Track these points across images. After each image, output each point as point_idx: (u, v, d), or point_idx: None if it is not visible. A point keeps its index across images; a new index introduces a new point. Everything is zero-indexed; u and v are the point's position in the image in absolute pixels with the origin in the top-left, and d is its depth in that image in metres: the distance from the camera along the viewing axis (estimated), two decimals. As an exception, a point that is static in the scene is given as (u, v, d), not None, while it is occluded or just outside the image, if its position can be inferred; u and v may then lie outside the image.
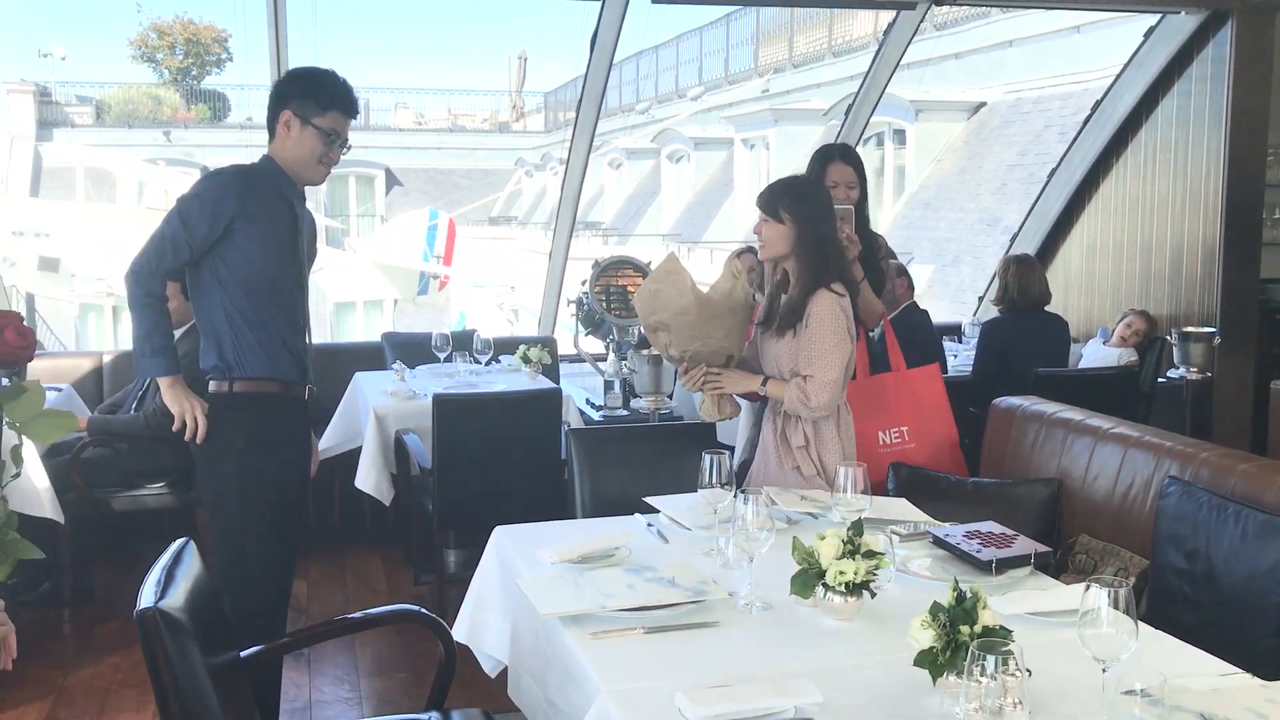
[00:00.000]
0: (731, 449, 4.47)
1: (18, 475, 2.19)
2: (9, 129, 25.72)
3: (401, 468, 4.79)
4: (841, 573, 2.18)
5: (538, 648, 2.38)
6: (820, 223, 3.26)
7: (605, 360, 5.35)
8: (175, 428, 3.19)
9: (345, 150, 3.26)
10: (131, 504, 4.70)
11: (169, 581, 2.12)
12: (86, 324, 20.74)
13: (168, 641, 2.00)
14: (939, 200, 13.82)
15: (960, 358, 6.06)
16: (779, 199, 3.27)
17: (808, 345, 3.20)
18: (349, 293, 21.56)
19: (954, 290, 11.51)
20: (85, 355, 5.99)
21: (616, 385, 5.21)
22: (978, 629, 1.83)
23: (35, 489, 4.21)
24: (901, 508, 2.99)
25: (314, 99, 3.16)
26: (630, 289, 5.28)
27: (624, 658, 2.07)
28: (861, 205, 3.92)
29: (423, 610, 2.62)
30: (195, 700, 2.05)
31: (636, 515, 2.99)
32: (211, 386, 3.22)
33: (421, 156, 28.54)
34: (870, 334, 3.91)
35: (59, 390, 5.09)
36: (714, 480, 2.64)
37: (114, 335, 19.40)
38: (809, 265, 3.24)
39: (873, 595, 2.22)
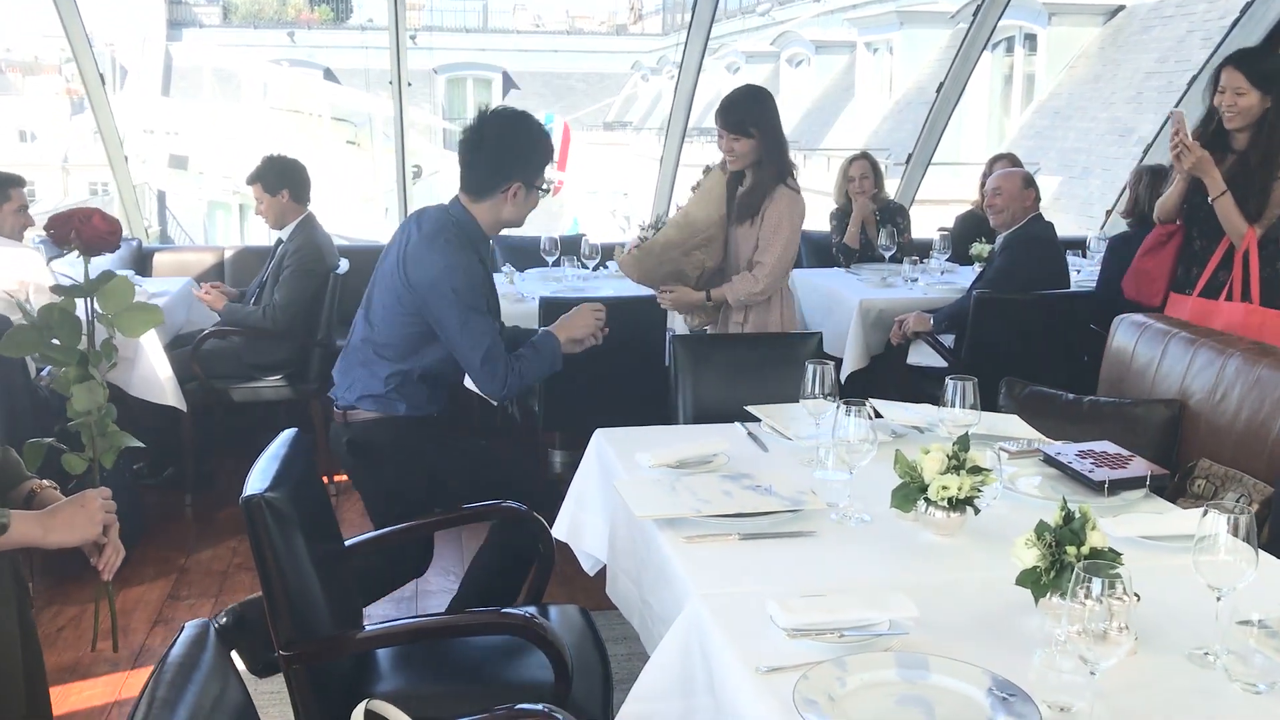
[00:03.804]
0: (838, 361, 4.40)
1: (114, 366, 2.25)
2: (141, 29, 26.35)
3: (508, 368, 4.82)
4: (944, 488, 2.12)
5: (634, 549, 2.39)
6: (779, 128, 3.73)
7: (714, 267, 5.28)
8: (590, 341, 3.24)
9: None
10: (250, 395, 4.84)
11: (275, 470, 2.17)
12: (215, 221, 21.39)
13: (272, 528, 2.05)
14: (1069, 109, 13.23)
15: (1084, 273, 5.81)
16: (745, 117, 3.67)
17: (766, 234, 3.69)
18: (464, 195, 21.74)
19: (1081, 203, 11.07)
20: (208, 250, 6.15)
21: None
22: (1085, 550, 1.76)
23: (159, 378, 4.38)
24: (1013, 425, 2.90)
25: (540, 165, 3.08)
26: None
27: (717, 563, 2.06)
28: (1270, 117, 3.68)
29: (525, 508, 2.65)
30: (298, 584, 2.11)
31: (737, 424, 2.96)
32: (374, 415, 3.06)
33: (539, 59, 28.38)
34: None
35: (181, 282, 5.26)
36: (817, 391, 2.59)
37: (240, 232, 19.96)
38: (772, 166, 3.68)
39: (976, 512, 2.16)
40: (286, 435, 2.37)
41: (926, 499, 2.15)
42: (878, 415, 2.85)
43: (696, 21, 6.37)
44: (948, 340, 4.75)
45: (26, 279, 4.14)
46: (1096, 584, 1.48)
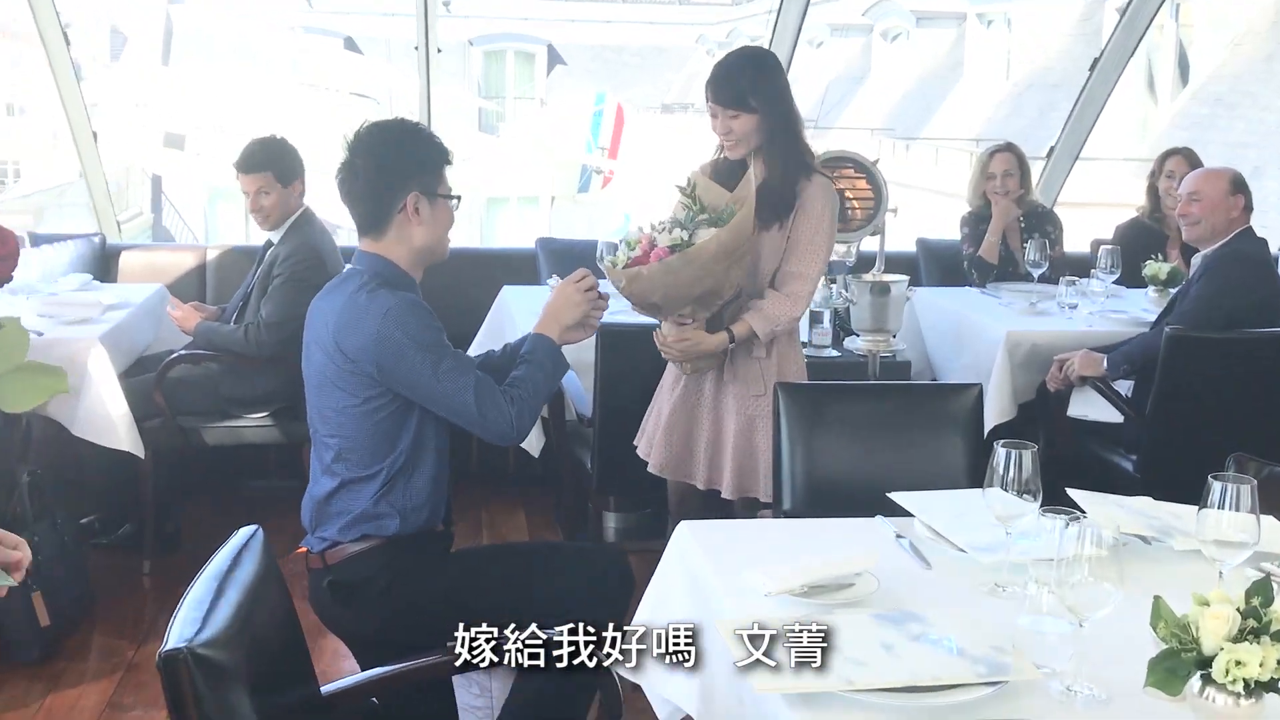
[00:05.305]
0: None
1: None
2: (140, -11, 26.41)
3: (554, 411, 4.34)
4: (1239, 663, 1.56)
5: (744, 717, 1.87)
6: (788, 100, 3.33)
7: (814, 285, 4.80)
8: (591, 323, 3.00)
9: None
10: (227, 436, 4.38)
11: (215, 601, 1.70)
12: (216, 212, 21.19)
13: (205, 696, 1.55)
14: (1234, 95, 12.64)
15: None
16: (745, 86, 3.23)
17: (802, 236, 3.26)
18: (502, 187, 21.47)
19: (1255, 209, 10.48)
20: (187, 249, 5.77)
21: (826, 318, 4.64)
22: None
23: (109, 416, 3.95)
24: (1272, 529, 2.33)
25: (434, 167, 2.82)
26: (849, 194, 4.67)
27: (887, 775, 1.52)
28: None
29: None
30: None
31: (878, 518, 2.43)
32: (363, 545, 2.79)
33: (588, 30, 28.13)
34: None
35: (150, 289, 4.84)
36: (1011, 483, 2.04)
37: (246, 227, 19.73)
38: (790, 147, 3.28)
39: (1287, 701, 1.60)
40: (240, 539, 1.90)
41: (1206, 676, 1.60)
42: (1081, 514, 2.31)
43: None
44: (1124, 388, 4.20)
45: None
46: None
